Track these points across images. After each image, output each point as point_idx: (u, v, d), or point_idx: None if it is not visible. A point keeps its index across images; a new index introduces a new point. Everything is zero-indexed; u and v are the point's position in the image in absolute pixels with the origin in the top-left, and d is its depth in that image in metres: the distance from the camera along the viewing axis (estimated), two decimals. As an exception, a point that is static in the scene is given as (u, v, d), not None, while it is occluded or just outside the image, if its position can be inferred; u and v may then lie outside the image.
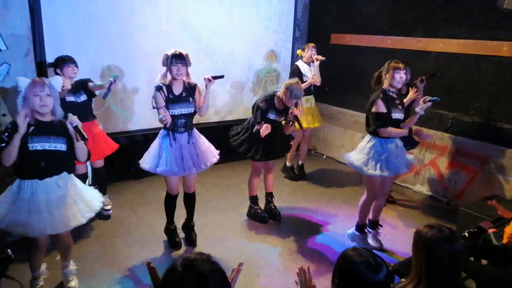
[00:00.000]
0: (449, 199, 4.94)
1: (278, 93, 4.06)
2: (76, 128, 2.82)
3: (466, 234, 2.55)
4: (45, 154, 2.77)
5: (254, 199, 4.46)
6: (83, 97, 4.06)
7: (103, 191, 4.34)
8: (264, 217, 4.39)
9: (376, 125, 3.53)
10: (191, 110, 3.56)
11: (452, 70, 4.82)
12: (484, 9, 4.41)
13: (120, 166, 5.06)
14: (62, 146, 2.84)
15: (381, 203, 3.93)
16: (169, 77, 3.47)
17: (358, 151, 3.72)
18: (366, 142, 3.68)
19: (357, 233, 3.94)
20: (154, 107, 3.48)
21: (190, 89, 3.55)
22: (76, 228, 3.98)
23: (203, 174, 5.39)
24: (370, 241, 3.94)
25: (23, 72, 4.17)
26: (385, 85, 3.60)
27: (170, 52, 3.40)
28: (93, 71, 4.66)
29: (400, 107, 3.62)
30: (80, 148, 2.91)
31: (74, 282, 3.19)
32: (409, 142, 4.48)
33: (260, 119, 3.99)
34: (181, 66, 3.40)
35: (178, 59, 3.38)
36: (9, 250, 2.02)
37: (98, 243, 3.85)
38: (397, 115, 3.58)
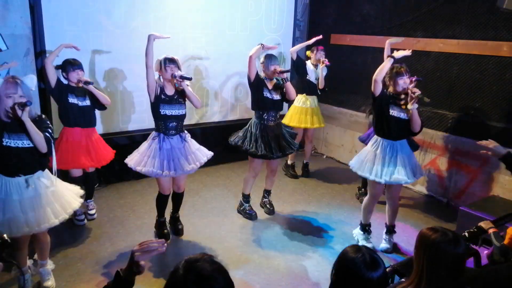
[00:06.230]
0: (449, 199, 4.94)
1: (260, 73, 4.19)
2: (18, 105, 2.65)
3: (466, 234, 2.54)
4: (17, 151, 2.74)
5: (246, 197, 4.50)
6: (87, 102, 3.95)
7: (90, 195, 4.32)
8: (252, 214, 4.43)
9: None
10: (183, 111, 3.70)
11: (452, 70, 4.82)
12: (484, 9, 4.42)
13: (120, 167, 5.05)
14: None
15: (392, 208, 3.85)
16: (161, 80, 3.66)
17: (359, 155, 3.80)
18: (369, 145, 3.76)
19: (360, 231, 3.98)
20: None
21: (181, 92, 3.69)
22: (76, 229, 4.06)
23: (203, 174, 5.42)
24: (383, 243, 3.93)
25: (23, 72, 4.16)
26: (390, 90, 3.60)
27: (161, 57, 3.61)
28: (92, 72, 4.67)
29: (400, 107, 3.57)
30: (37, 138, 2.73)
31: (50, 282, 3.17)
32: (410, 145, 4.47)
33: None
34: (174, 67, 3.59)
35: (170, 61, 3.59)
36: (5, 235, 1.99)
37: (98, 243, 3.85)
38: (396, 112, 3.55)
